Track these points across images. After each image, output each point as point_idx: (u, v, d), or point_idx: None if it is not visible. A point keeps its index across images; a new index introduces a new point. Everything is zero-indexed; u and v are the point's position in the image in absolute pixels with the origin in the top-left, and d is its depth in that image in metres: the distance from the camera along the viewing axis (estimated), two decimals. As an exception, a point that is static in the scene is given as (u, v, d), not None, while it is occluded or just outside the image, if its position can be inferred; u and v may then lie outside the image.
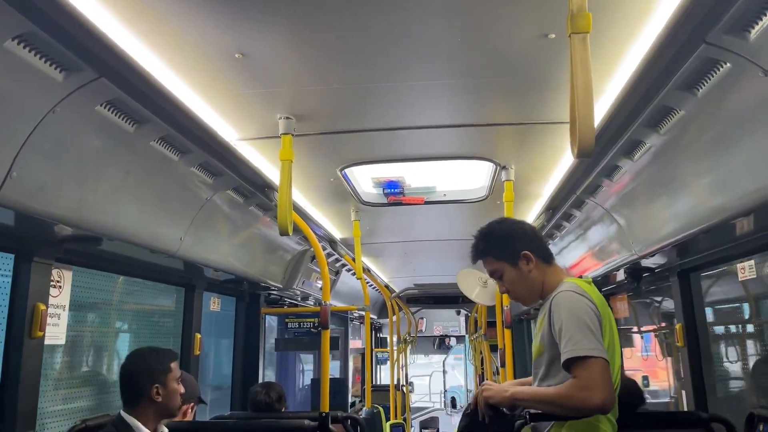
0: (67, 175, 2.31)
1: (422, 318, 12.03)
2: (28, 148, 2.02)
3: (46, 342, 2.78)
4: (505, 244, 2.37)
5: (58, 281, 2.95)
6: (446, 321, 12.41)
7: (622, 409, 2.78)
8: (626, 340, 5.67)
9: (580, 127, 1.59)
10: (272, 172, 3.40)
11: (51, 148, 2.15)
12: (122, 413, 2.49)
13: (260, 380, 5.22)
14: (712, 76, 2.10)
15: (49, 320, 2.78)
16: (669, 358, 5.10)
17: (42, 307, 2.67)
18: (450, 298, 10.10)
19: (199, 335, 4.23)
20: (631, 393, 2.89)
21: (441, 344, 13.00)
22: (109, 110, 2.29)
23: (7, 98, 1.89)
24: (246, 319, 5.31)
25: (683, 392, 4.37)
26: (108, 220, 2.64)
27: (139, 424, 2.47)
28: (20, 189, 2.06)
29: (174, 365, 2.60)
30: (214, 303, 4.99)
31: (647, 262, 3.89)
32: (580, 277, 2.35)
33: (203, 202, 3.34)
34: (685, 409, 4.16)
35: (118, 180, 2.61)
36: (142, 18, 1.90)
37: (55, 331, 2.95)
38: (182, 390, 2.65)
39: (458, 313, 11.78)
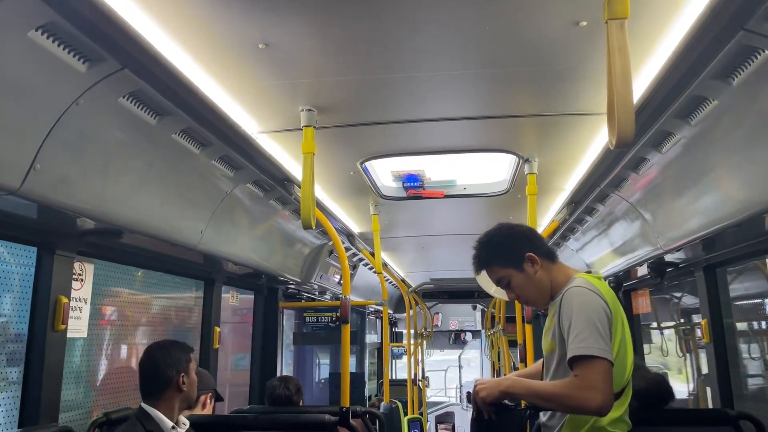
0: (90, 168, 2.29)
1: (437, 313, 11.99)
2: (51, 140, 2.01)
3: (69, 335, 2.78)
4: (507, 250, 2.31)
5: (80, 274, 2.96)
6: (462, 316, 12.35)
7: (650, 404, 2.74)
8: (646, 336, 5.60)
9: (618, 116, 1.55)
10: (292, 166, 3.37)
11: (74, 140, 2.14)
12: (143, 405, 2.49)
13: (279, 374, 5.22)
14: (749, 65, 2.03)
15: (71, 313, 2.78)
16: (689, 355, 5.03)
17: (64, 300, 2.67)
18: (467, 292, 10.07)
19: (218, 329, 4.23)
20: (660, 388, 2.85)
21: (456, 339, 12.96)
22: (131, 102, 2.27)
23: (30, 89, 1.87)
24: (264, 313, 5.31)
25: (707, 389, 4.30)
26: (129, 213, 2.63)
27: (162, 416, 2.47)
28: (43, 181, 2.05)
29: (192, 356, 2.64)
30: (232, 297, 4.99)
31: (671, 257, 3.82)
32: (589, 272, 2.27)
33: (223, 196, 3.32)
34: (710, 406, 4.09)
35: (140, 173, 2.60)
36: (165, 8, 1.88)
37: (77, 324, 2.96)
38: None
39: (474, 308, 11.73)
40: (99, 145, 2.30)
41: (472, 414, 2.30)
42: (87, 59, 1.94)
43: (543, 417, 2.27)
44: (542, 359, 2.40)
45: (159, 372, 2.50)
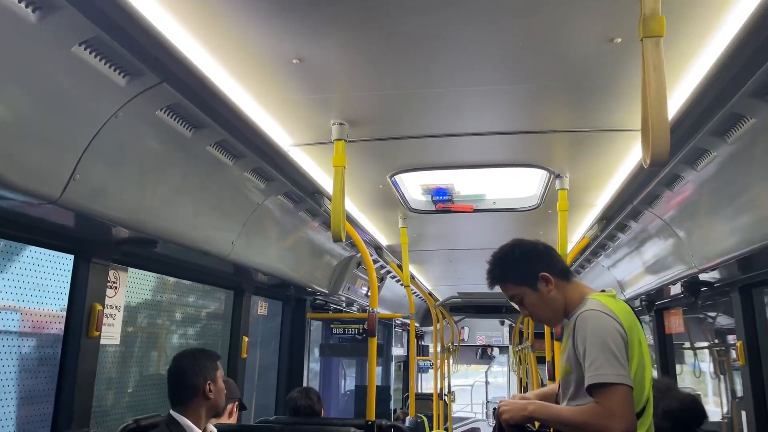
0: (127, 179, 2.35)
1: (464, 327, 11.90)
2: (90, 152, 2.06)
3: (102, 341, 2.83)
4: (522, 268, 2.29)
5: (114, 282, 3.01)
6: (489, 330, 12.25)
7: (683, 425, 2.68)
8: (679, 356, 5.48)
9: (653, 134, 1.53)
10: (323, 178, 3.40)
11: (112, 151, 2.19)
12: (172, 413, 2.52)
13: (305, 384, 5.23)
14: (788, 83, 2.00)
15: (104, 320, 2.83)
16: (723, 377, 4.91)
17: (99, 307, 2.73)
18: (494, 307, 9.98)
19: (246, 338, 4.26)
20: (692, 408, 2.78)
21: (483, 354, 12.84)
22: (168, 115, 2.32)
23: (72, 102, 1.93)
24: (292, 324, 5.34)
25: (743, 413, 4.19)
26: (164, 223, 2.68)
27: (190, 423, 2.49)
28: (82, 192, 2.10)
29: (219, 364, 2.66)
30: (261, 307, 5.03)
31: (706, 276, 3.75)
32: (603, 291, 2.22)
33: (255, 207, 3.37)
34: (745, 430, 3.98)
35: (175, 184, 2.65)
36: (203, 24, 1.93)
37: (111, 331, 3.01)
38: (226, 390, 2.69)
39: (502, 323, 11.61)
40: (136, 157, 2.36)
41: (493, 430, 2.30)
42: (127, 73, 2.00)
43: None
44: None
45: (186, 380, 2.53)
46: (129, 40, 1.85)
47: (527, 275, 2.26)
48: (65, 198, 2.03)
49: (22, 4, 1.59)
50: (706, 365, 5.22)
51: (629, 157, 3.05)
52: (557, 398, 2.32)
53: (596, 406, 1.94)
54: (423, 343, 11.98)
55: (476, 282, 8.19)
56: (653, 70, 1.56)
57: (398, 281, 6.50)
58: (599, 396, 1.93)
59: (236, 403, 3.33)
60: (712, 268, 3.35)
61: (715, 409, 5.11)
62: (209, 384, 2.53)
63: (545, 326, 4.35)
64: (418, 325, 10.27)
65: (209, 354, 2.65)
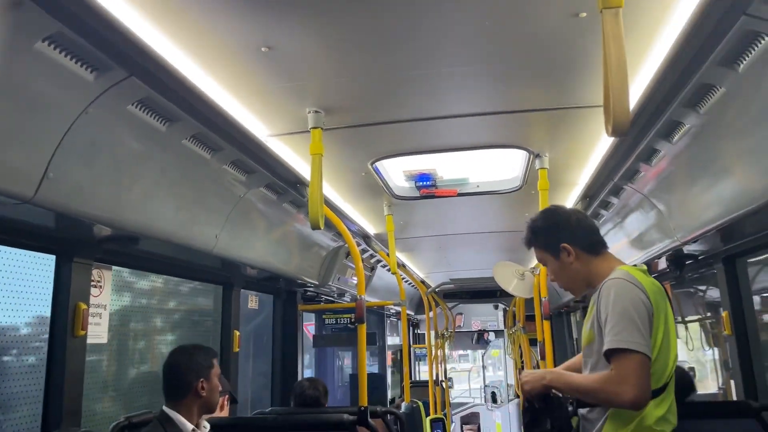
0: (103, 175, 2.34)
1: (460, 314, 11.95)
2: (62, 149, 2.06)
3: (89, 341, 2.83)
4: (546, 236, 2.35)
5: (98, 281, 3.01)
6: (484, 316, 12.29)
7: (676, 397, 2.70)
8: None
9: (614, 104, 1.54)
10: (304, 168, 3.40)
11: (85, 148, 2.18)
12: (165, 408, 2.53)
13: (300, 376, 5.25)
14: (754, 50, 2.00)
15: (90, 319, 2.83)
16: (715, 348, 4.95)
17: (83, 306, 2.73)
18: (487, 292, 10.03)
19: (237, 332, 4.27)
20: (681, 380, 2.81)
21: (479, 339, 12.89)
22: (140, 109, 2.31)
23: (40, 100, 1.92)
24: (284, 317, 5.35)
25: (732, 382, 4.24)
26: (144, 219, 2.68)
27: (183, 419, 2.50)
28: (57, 190, 2.10)
29: (215, 362, 2.66)
30: (252, 301, 5.04)
31: (690, 249, 3.78)
32: (635, 265, 2.23)
33: (237, 200, 3.36)
34: (734, 398, 4.03)
35: (153, 179, 2.65)
36: (168, 15, 1.92)
37: (97, 330, 3.02)
38: (220, 387, 2.69)
39: (496, 307, 11.66)
40: (111, 153, 2.35)
41: (523, 403, 2.38)
42: (94, 68, 1.99)
43: (583, 409, 2.25)
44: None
45: (179, 377, 2.54)
46: (94, 34, 1.84)
47: (550, 243, 2.33)
48: (40, 197, 2.03)
49: (-20, 2, 1.58)
50: (698, 338, 5.25)
51: (606, 133, 3.06)
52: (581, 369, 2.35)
53: (610, 372, 1.95)
54: (419, 332, 12.02)
55: (468, 267, 8.24)
56: (613, 41, 1.57)
57: (389, 269, 6.52)
58: (615, 362, 1.94)
59: (227, 396, 3.34)
60: (695, 240, 3.37)
61: (707, 381, 5.16)
62: (202, 382, 2.53)
63: (535, 308, 4.37)
64: (412, 313, 10.30)
65: (205, 351, 2.65)
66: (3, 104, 1.81)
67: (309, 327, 5.86)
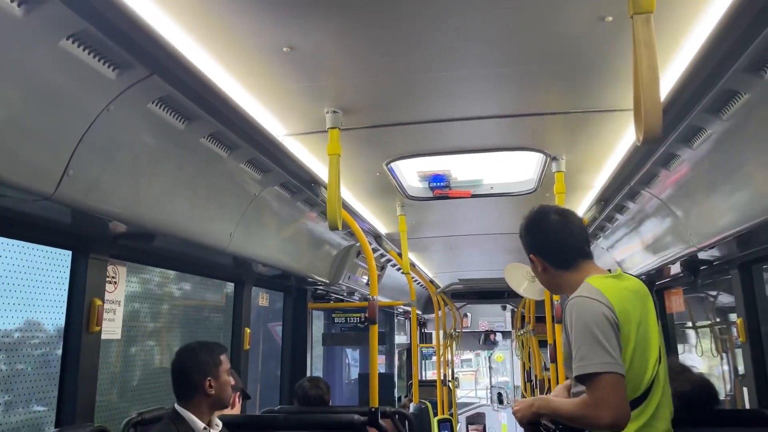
0: (121, 173, 2.34)
1: (467, 314, 11.94)
2: (83, 147, 2.06)
3: (103, 337, 2.84)
4: (522, 240, 2.34)
5: (113, 277, 3.02)
6: (492, 316, 12.27)
7: (694, 407, 2.68)
8: (681, 335, 5.50)
9: (645, 111, 1.52)
10: (319, 168, 3.40)
11: (105, 145, 2.18)
12: (177, 407, 2.53)
13: (308, 374, 5.26)
14: (782, 57, 1.98)
15: (105, 315, 2.84)
16: (726, 354, 4.92)
17: (98, 302, 2.73)
18: (496, 293, 10.01)
19: (248, 330, 4.28)
20: (704, 391, 2.80)
21: (486, 340, 12.87)
22: (160, 107, 2.31)
23: (62, 97, 1.92)
24: (294, 314, 5.35)
25: (744, 389, 4.20)
26: (161, 216, 2.68)
27: (194, 417, 2.51)
28: (76, 187, 2.10)
29: (224, 357, 2.65)
30: (262, 298, 5.04)
31: (705, 255, 3.75)
32: (609, 270, 2.19)
33: (252, 198, 3.36)
34: (747, 407, 4.00)
35: (170, 177, 2.65)
36: (191, 14, 1.91)
37: (111, 326, 3.02)
38: (233, 381, 2.68)
39: (504, 308, 11.64)
40: (130, 151, 2.35)
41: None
42: (117, 66, 1.99)
43: None
44: None
45: (186, 376, 2.54)
46: (117, 33, 1.84)
47: (526, 245, 2.33)
48: (60, 193, 2.03)
49: (8, -1, 1.58)
50: (709, 344, 5.22)
51: (625, 137, 3.04)
52: None
53: (586, 397, 1.93)
54: (426, 331, 12.02)
55: (477, 268, 8.22)
56: (644, 47, 1.55)
57: (399, 269, 6.51)
58: (588, 386, 1.92)
59: (238, 393, 3.35)
60: (711, 246, 3.34)
61: (718, 387, 5.13)
62: (209, 380, 2.52)
63: (546, 311, 4.35)
64: (420, 312, 10.30)
65: (210, 348, 2.63)
66: (27, 102, 1.81)
67: (276, 328, 5.82)
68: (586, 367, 1.90)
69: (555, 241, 2.23)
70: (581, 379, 1.94)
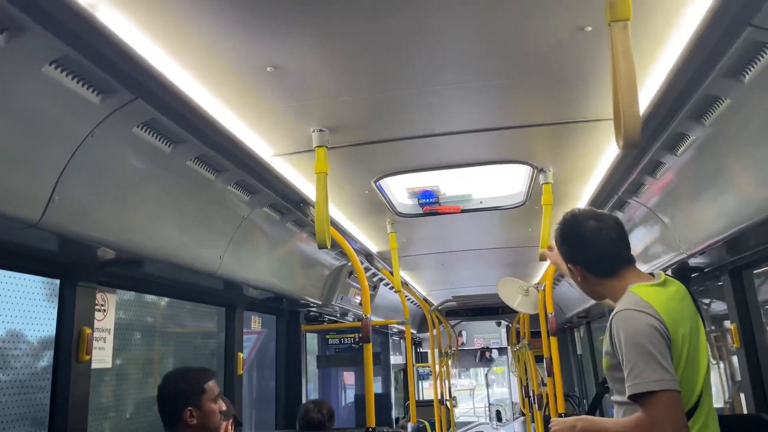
0: (108, 198, 2.33)
1: (462, 332, 11.89)
2: (68, 172, 2.05)
3: (93, 366, 2.79)
4: (559, 248, 2.22)
5: (102, 305, 2.98)
6: (487, 333, 12.23)
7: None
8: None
9: (624, 117, 1.54)
10: (307, 187, 3.40)
11: (91, 171, 2.17)
12: None
13: (303, 398, 5.20)
14: (759, 61, 2.01)
15: (95, 344, 2.80)
16: (723, 361, 4.91)
17: (88, 330, 2.70)
18: (490, 309, 9.98)
19: (241, 354, 4.23)
20: None
21: (482, 357, 12.82)
22: (145, 131, 2.31)
23: (46, 123, 1.92)
24: (287, 338, 5.31)
25: (741, 395, 4.19)
26: (148, 241, 2.66)
27: None
28: (62, 213, 2.08)
29: (208, 385, 2.52)
30: (254, 322, 5.00)
31: (696, 261, 3.76)
32: (651, 274, 2.09)
33: (241, 220, 3.35)
34: (745, 412, 3.99)
35: (158, 201, 2.63)
36: (174, 37, 1.92)
37: (102, 355, 2.98)
38: (223, 407, 2.60)
39: (499, 324, 11.61)
40: (116, 175, 2.34)
41: None
42: (101, 91, 1.99)
43: None
44: None
45: (166, 406, 2.46)
46: (100, 57, 1.84)
47: (562, 254, 2.20)
48: (45, 220, 2.01)
49: (-11, 27, 1.58)
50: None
51: (610, 146, 3.07)
52: None
53: (642, 416, 1.82)
54: (422, 350, 11.95)
55: (470, 284, 8.20)
56: (622, 54, 1.57)
57: (392, 288, 6.49)
58: (644, 405, 1.81)
59: (231, 420, 3.29)
60: (701, 252, 3.35)
61: (716, 394, 5.12)
62: (189, 410, 2.42)
63: (541, 324, 4.35)
64: (415, 331, 10.24)
65: (193, 375, 2.53)
66: (10, 128, 1.81)
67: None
68: (643, 385, 1.80)
69: (594, 249, 2.11)
70: (637, 397, 1.83)
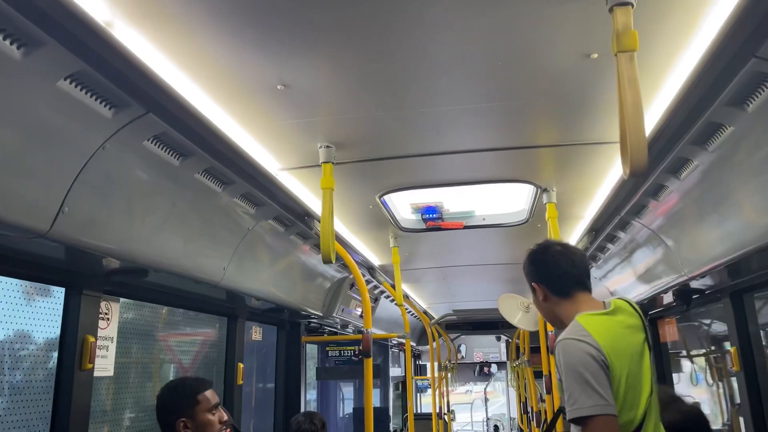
0: (116, 209, 2.36)
1: (461, 346, 11.87)
2: (79, 184, 2.07)
3: (95, 374, 2.81)
4: (525, 272, 2.37)
5: (106, 313, 3.00)
6: (486, 347, 12.21)
7: None
8: (675, 364, 5.49)
9: (631, 145, 1.56)
10: (312, 201, 3.42)
11: (100, 183, 2.20)
12: None
13: (302, 409, 5.20)
14: (763, 91, 2.04)
15: (98, 352, 2.82)
16: (721, 383, 4.91)
17: (91, 339, 2.72)
18: (490, 323, 9.98)
19: (241, 365, 4.24)
20: (696, 421, 2.77)
21: (481, 371, 12.79)
22: (156, 145, 2.34)
23: (59, 136, 1.95)
24: (287, 348, 5.32)
25: (740, 419, 4.19)
26: (154, 252, 2.68)
27: None
28: (71, 224, 2.11)
29: (203, 396, 2.50)
30: (255, 332, 5.01)
31: (697, 284, 3.77)
32: (604, 302, 2.21)
33: (245, 232, 3.37)
34: (744, 435, 3.98)
35: (164, 213, 2.66)
36: (187, 54, 1.95)
37: (104, 363, 2.99)
38: (224, 418, 2.59)
39: (498, 339, 11.59)
40: (124, 187, 2.37)
41: None
42: (113, 105, 2.02)
43: None
44: None
45: (161, 418, 2.47)
46: (114, 73, 1.87)
47: (528, 277, 2.36)
48: (54, 231, 2.03)
49: (7, 42, 1.61)
50: (702, 372, 5.22)
51: (614, 168, 3.09)
52: None
53: None
54: (421, 363, 11.93)
55: (471, 298, 8.21)
56: (628, 84, 1.60)
57: (393, 301, 6.50)
58: (582, 428, 1.93)
59: (228, 430, 3.29)
60: (702, 275, 3.37)
61: (714, 417, 5.10)
62: (183, 421, 2.42)
63: (541, 341, 4.36)
64: (414, 344, 10.23)
65: (188, 386, 2.52)
66: (24, 140, 1.83)
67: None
68: (580, 410, 1.91)
69: (561, 269, 2.27)
70: (575, 421, 1.94)
